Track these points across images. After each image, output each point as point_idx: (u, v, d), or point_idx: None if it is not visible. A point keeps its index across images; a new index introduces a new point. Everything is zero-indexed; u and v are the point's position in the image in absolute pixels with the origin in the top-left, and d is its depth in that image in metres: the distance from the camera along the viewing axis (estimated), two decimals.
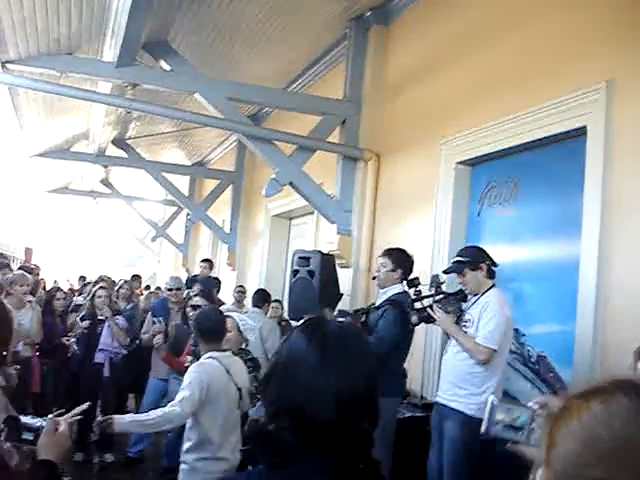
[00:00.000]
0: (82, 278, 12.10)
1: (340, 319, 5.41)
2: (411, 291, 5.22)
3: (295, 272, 7.18)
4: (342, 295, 7.00)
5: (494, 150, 5.60)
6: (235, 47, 8.34)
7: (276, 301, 8.76)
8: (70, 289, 12.63)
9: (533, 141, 5.13)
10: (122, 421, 4.01)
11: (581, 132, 4.62)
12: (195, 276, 10.38)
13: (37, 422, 2.06)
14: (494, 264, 4.73)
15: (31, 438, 2.02)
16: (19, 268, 8.62)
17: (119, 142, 12.83)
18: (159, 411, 4.22)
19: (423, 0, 6.93)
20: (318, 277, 6.86)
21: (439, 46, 6.59)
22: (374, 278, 5.60)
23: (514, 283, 5.25)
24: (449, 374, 4.73)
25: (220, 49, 8.37)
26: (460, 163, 6.04)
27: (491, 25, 5.77)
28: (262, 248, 11.43)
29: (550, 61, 4.95)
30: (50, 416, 2.09)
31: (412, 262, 5.48)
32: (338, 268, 7.15)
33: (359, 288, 7.31)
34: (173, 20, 7.23)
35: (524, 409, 1.58)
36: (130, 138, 13.04)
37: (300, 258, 7.17)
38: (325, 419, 1.51)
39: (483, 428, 1.59)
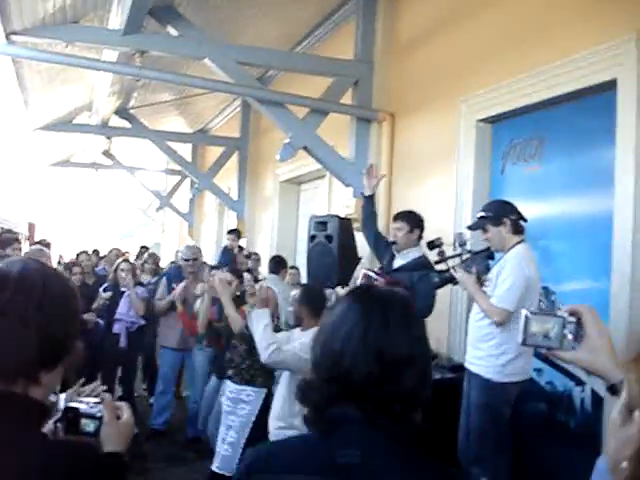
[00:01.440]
0: (95, 252, 11.99)
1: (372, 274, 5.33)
2: (433, 252, 5.13)
3: (312, 237, 7.12)
4: (360, 259, 6.95)
5: (516, 106, 5.49)
6: (241, 10, 8.16)
7: (293, 267, 8.71)
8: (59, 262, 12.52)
9: (558, 96, 5.01)
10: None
11: (610, 85, 4.52)
12: (225, 247, 10.30)
13: (97, 410, 1.85)
14: (521, 218, 4.55)
15: (92, 431, 1.82)
16: (36, 242, 8.55)
17: (122, 112, 12.68)
18: (272, 341, 4.30)
19: None
20: (336, 242, 6.81)
21: (453, 2, 6.45)
22: (393, 243, 5.52)
23: (543, 240, 5.17)
24: (470, 336, 4.68)
25: (226, 12, 8.19)
26: (481, 120, 5.92)
27: None
28: (272, 214, 11.35)
29: (576, 12, 4.82)
30: (105, 400, 1.89)
31: (424, 221, 5.47)
32: (356, 232, 7.08)
33: None
34: None
35: (556, 318, 1.63)
36: (132, 108, 12.88)
37: (317, 223, 7.10)
38: (364, 372, 1.54)
39: (519, 339, 1.64)
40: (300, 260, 10.05)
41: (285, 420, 4.33)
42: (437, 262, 4.98)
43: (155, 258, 10.21)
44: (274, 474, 1.56)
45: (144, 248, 14.15)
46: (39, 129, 12.34)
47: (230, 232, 10.75)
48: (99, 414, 1.83)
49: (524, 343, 1.73)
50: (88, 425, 1.82)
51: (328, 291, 5.07)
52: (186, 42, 7.05)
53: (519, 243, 4.50)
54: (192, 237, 16.85)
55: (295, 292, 4.88)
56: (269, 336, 4.33)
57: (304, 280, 7.87)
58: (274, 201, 11.26)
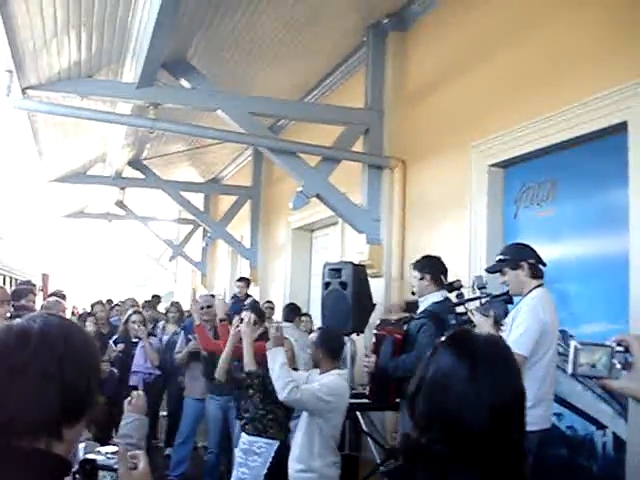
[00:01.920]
0: (109, 302, 12.03)
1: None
2: (452, 295, 5.13)
3: (327, 284, 7.11)
4: (375, 305, 6.94)
5: (528, 151, 5.51)
6: (252, 62, 8.30)
7: (305, 314, 8.70)
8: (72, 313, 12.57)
9: (570, 139, 5.05)
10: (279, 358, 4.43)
11: (621, 127, 4.55)
12: (234, 296, 10.31)
13: (114, 462, 1.79)
14: (540, 262, 4.51)
15: None
16: (51, 295, 8.58)
17: (135, 163, 12.81)
18: (289, 379, 4.35)
19: (441, 3, 6.87)
20: (351, 288, 6.80)
21: (461, 48, 6.53)
22: (413, 294, 5.54)
23: (558, 284, 5.14)
24: None
25: (237, 64, 8.33)
26: (493, 165, 5.95)
27: (516, 23, 5.70)
28: (284, 262, 11.36)
29: (585, 56, 4.88)
30: (120, 451, 1.83)
31: (440, 263, 5.42)
32: (369, 278, 7.08)
33: (392, 297, 7.23)
34: (192, 38, 7.20)
35: (604, 349, 1.66)
36: (146, 159, 13.03)
37: (331, 270, 7.10)
38: (479, 430, 1.51)
39: (569, 370, 1.77)
40: (314, 307, 10.04)
41: (305, 463, 4.32)
42: (455, 305, 4.96)
43: (178, 307, 10.20)
44: None
45: (156, 297, 14.17)
46: (53, 181, 12.48)
47: (239, 280, 10.78)
48: (116, 465, 1.79)
49: (574, 373, 1.73)
50: (105, 477, 1.78)
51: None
52: (199, 94, 7.17)
53: (537, 287, 4.45)
54: (205, 286, 16.88)
55: (313, 335, 4.88)
56: (286, 374, 4.35)
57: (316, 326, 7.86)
58: (287, 248, 11.28)
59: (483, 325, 4.45)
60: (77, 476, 1.79)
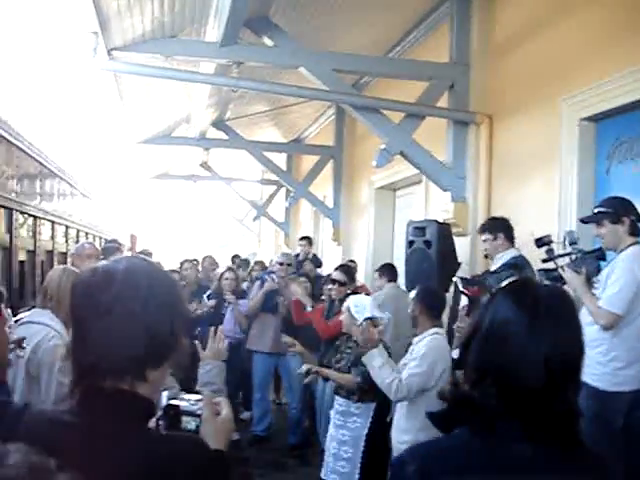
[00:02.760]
0: (195, 261, 12.17)
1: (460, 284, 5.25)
2: (542, 250, 4.97)
3: (411, 243, 7.06)
4: (460, 264, 6.84)
5: (621, 103, 5.27)
6: (334, 18, 8.18)
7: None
8: None
9: None
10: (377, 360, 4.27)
11: None
12: (297, 255, 10.27)
13: (198, 408, 1.85)
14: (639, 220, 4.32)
15: (194, 428, 1.81)
16: (140, 252, 8.77)
17: (219, 124, 12.89)
18: (391, 378, 4.25)
19: None
20: (435, 247, 6.73)
21: None
22: (486, 257, 5.44)
23: None
24: None
25: (319, 21, 8.22)
26: (584, 119, 5.73)
27: None
28: (367, 221, 11.31)
29: None
30: (205, 397, 1.89)
31: (508, 222, 5.40)
32: (454, 237, 6.98)
33: (477, 256, 7.07)
34: None
35: None
36: (229, 119, 13.10)
37: (415, 228, 7.04)
38: (533, 385, 1.45)
39: None
40: (397, 266, 9.97)
41: (412, 434, 4.24)
42: (545, 260, 4.76)
43: (263, 265, 10.26)
44: (456, 475, 1.49)
45: (236, 257, 14.33)
46: (140, 142, 12.70)
47: (302, 239, 10.79)
48: (199, 412, 1.82)
49: None
50: (189, 423, 1.83)
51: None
52: (281, 52, 7.11)
53: (633, 244, 4.28)
54: (288, 246, 16.99)
55: (412, 293, 4.77)
56: (387, 374, 4.26)
57: (402, 287, 7.79)
58: (370, 208, 11.22)
59: (574, 282, 4.32)
60: (160, 422, 1.83)
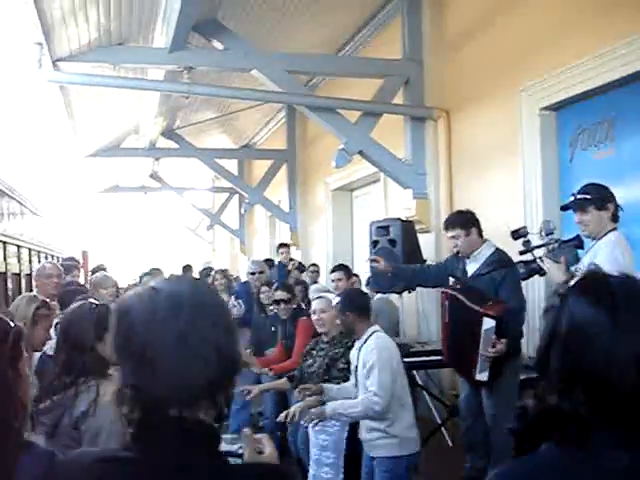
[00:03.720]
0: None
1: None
2: (518, 242, 4.89)
3: (375, 242, 6.97)
4: (426, 261, 6.77)
5: (582, 90, 5.26)
6: (284, 18, 8.04)
7: (355, 275, 8.50)
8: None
9: (628, 75, 4.79)
10: (334, 406, 4.14)
11: None
12: (280, 263, 10.08)
13: (238, 447, 1.79)
14: (619, 208, 4.25)
15: None
16: (94, 270, 8.52)
17: (168, 133, 12.68)
18: (360, 401, 4.12)
19: None
20: (400, 245, 6.66)
21: None
22: (457, 254, 5.26)
23: (623, 227, 4.90)
24: None
25: (269, 22, 8.08)
26: (544, 109, 5.71)
27: None
28: (325, 224, 11.21)
29: None
30: (244, 435, 1.69)
31: (475, 215, 5.15)
32: (418, 234, 6.92)
33: (442, 252, 7.03)
34: None
35: None
36: (178, 128, 12.90)
37: (378, 228, 6.95)
38: (629, 387, 1.32)
39: None
40: (358, 267, 9.89)
41: (382, 429, 4.14)
42: (522, 252, 4.64)
43: (225, 274, 9.99)
44: None
45: (187, 267, 14.12)
46: (89, 156, 12.41)
47: (281, 246, 10.58)
48: (240, 451, 1.70)
49: None
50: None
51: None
52: (233, 55, 6.96)
53: (612, 230, 4.21)
54: (244, 253, 16.81)
55: (334, 301, 4.62)
56: (352, 409, 4.16)
57: (364, 288, 7.69)
58: (327, 210, 11.12)
59: (555, 272, 4.22)
60: None
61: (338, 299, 4.65)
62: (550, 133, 5.75)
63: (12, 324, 1.65)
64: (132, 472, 1.39)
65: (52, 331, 4.80)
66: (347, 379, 4.49)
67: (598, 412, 1.33)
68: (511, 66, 6.06)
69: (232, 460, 1.60)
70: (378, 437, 4.17)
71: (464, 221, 5.10)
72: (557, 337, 1.40)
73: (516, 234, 4.66)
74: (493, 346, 4.61)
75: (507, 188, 6.10)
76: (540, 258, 4.38)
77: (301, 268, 9.77)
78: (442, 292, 5.26)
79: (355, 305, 4.36)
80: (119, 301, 1.63)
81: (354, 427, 4.60)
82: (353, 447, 4.65)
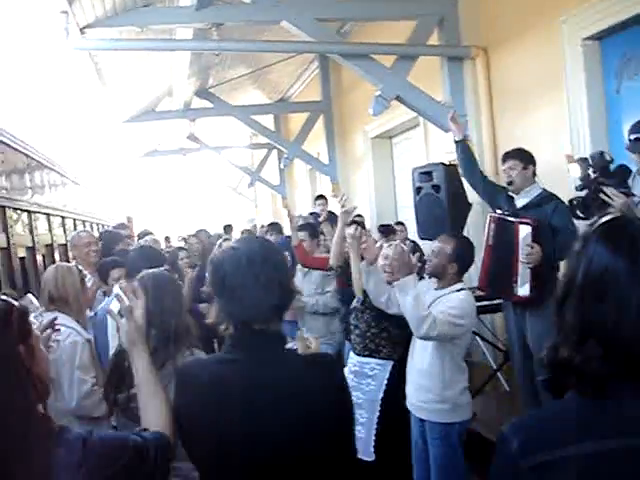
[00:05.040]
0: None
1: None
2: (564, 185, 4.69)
3: (418, 189, 6.84)
4: (471, 205, 6.63)
5: (625, 17, 5.00)
6: None
7: (399, 223, 8.40)
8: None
9: None
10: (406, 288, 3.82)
11: None
12: (314, 214, 9.93)
13: (293, 344, 2.62)
14: None
15: None
16: (141, 234, 8.55)
17: (202, 93, 12.58)
18: (429, 311, 3.87)
19: None
20: (445, 190, 6.53)
21: None
22: (510, 184, 5.09)
23: None
24: None
25: None
26: (587, 39, 5.45)
27: None
28: (366, 173, 11.06)
29: None
30: (298, 335, 2.94)
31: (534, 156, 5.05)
32: (462, 178, 6.75)
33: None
34: None
35: None
36: (211, 87, 12.78)
37: (421, 174, 6.82)
38: None
39: None
40: (402, 215, 9.77)
41: (437, 393, 4.02)
42: (580, 189, 4.31)
43: (279, 228, 9.65)
44: (561, 448, 1.29)
45: (228, 227, 14.14)
46: (125, 122, 12.39)
47: (318, 197, 10.48)
48: (294, 347, 2.60)
49: None
50: None
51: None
52: (260, 7, 6.79)
53: None
54: (287, 208, 16.73)
55: (438, 244, 4.37)
56: (422, 309, 3.82)
57: (412, 235, 7.58)
58: (367, 159, 10.96)
59: (626, 207, 3.91)
60: None
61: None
62: (595, 64, 5.51)
63: (16, 304, 1.69)
64: (238, 368, 2.07)
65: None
66: None
67: (613, 364, 1.25)
68: None
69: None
70: (430, 400, 4.07)
71: (524, 155, 5.03)
72: (574, 285, 1.31)
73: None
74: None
75: (553, 125, 5.89)
76: (601, 191, 4.01)
77: (332, 221, 9.56)
78: (490, 216, 5.17)
79: (463, 256, 4.19)
80: (213, 257, 2.30)
81: (391, 388, 4.50)
82: (389, 409, 4.56)
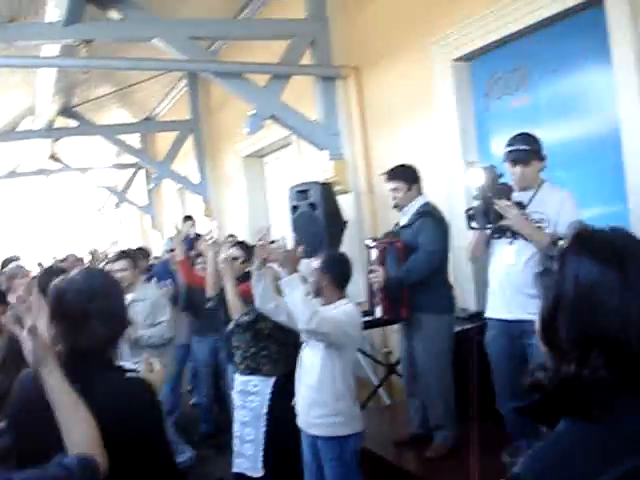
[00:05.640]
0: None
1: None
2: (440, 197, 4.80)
3: (294, 208, 6.87)
4: (347, 223, 6.73)
5: (493, 39, 5.23)
6: None
7: (272, 242, 8.37)
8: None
9: (538, 21, 4.78)
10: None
11: (593, 1, 4.33)
12: (187, 237, 9.78)
13: (137, 366, 2.49)
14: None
15: None
16: (5, 262, 8.11)
17: (66, 111, 12.17)
18: (315, 306, 3.93)
19: None
20: (321, 208, 6.57)
21: None
22: (395, 207, 5.11)
23: (544, 172, 4.94)
24: (522, 286, 3.93)
25: None
26: (457, 60, 5.67)
27: None
28: (239, 192, 10.99)
29: None
30: (144, 357, 2.55)
31: (417, 171, 5.02)
32: (337, 196, 6.84)
33: (363, 212, 6.99)
34: None
35: None
36: (76, 106, 12.39)
37: (298, 192, 6.85)
38: None
39: None
40: (276, 234, 9.74)
41: (329, 406, 4.01)
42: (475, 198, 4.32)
43: (145, 252, 9.50)
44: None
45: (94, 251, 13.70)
46: None
47: (186, 219, 10.39)
48: (135, 367, 2.48)
49: None
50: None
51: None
52: (132, 24, 6.63)
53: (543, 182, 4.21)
54: (156, 229, 16.42)
55: (315, 261, 4.40)
56: (312, 304, 3.89)
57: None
58: (239, 178, 10.90)
59: (520, 221, 4.00)
60: None
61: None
62: (464, 84, 5.73)
63: None
64: None
65: None
66: None
67: (618, 376, 1.26)
68: (420, 18, 5.97)
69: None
70: (323, 414, 4.05)
71: (407, 175, 4.96)
72: (563, 303, 1.31)
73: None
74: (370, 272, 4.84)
75: (424, 143, 6.07)
76: (494, 203, 4.06)
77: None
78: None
79: (333, 270, 4.19)
80: (57, 283, 2.33)
81: (275, 402, 4.53)
82: (274, 424, 4.58)
